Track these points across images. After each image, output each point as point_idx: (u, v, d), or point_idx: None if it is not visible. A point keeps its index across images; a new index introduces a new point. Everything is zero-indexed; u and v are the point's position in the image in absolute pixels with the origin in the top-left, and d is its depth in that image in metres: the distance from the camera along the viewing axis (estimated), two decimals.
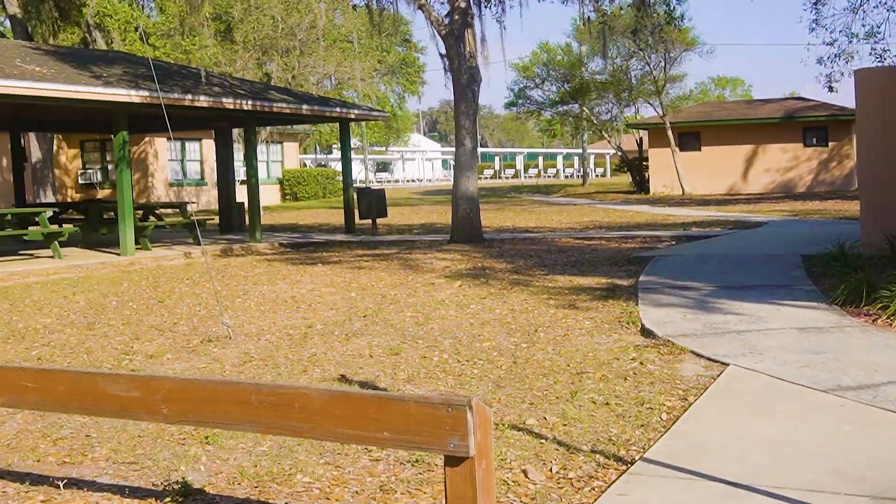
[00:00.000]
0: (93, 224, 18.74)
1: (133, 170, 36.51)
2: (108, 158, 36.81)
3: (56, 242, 16.38)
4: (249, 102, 18.99)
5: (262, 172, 40.71)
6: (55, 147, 35.71)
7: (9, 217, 16.87)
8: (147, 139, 36.35)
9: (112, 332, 9.64)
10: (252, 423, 4.41)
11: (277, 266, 15.27)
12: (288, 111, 20.14)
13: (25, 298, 12.05)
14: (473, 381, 7.19)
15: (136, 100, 16.56)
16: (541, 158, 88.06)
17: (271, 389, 4.37)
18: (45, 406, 4.96)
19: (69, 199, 37.22)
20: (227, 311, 10.60)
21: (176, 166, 38.17)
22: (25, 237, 16.57)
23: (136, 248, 17.34)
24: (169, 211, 26.32)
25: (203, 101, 17.97)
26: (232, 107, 18.68)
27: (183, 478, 5.29)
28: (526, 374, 7.34)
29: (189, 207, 23.81)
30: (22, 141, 23.76)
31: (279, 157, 42.40)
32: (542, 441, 5.65)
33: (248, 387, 4.44)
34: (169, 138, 35.16)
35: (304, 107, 20.53)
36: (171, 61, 31.97)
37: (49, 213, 16.90)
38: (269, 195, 40.65)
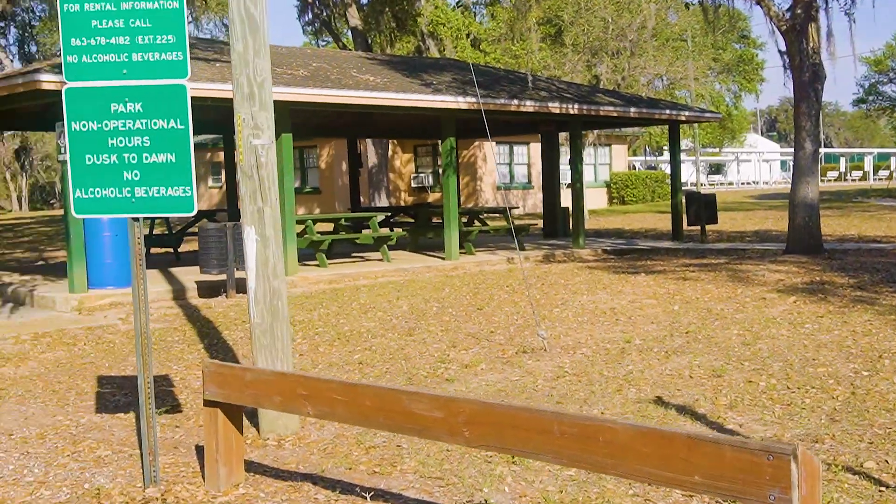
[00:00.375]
0: (421, 228, 19.31)
1: (462, 173, 37.60)
2: (439, 162, 38.13)
3: (385, 246, 16.98)
4: (576, 106, 18.81)
5: (588, 175, 40.55)
6: (390, 152, 37.48)
7: (343, 221, 17.71)
8: (476, 143, 37.27)
9: (430, 339, 9.70)
10: (553, 453, 4.11)
11: (598, 274, 14.92)
12: (615, 114, 19.76)
13: (353, 301, 12.49)
14: (804, 413, 6.47)
15: (464, 106, 16.83)
16: (893, 159, 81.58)
17: (574, 420, 4.04)
18: (352, 419, 4.93)
19: (402, 202, 38.95)
20: (543, 322, 10.39)
21: (504, 170, 38.86)
22: (357, 241, 17.30)
23: (461, 253, 17.65)
24: (495, 214, 26.70)
25: (529, 105, 17.99)
26: (558, 111, 18.58)
27: (486, 500, 5.08)
28: (866, 407, 6.52)
29: (513, 212, 24.02)
30: (358, 146, 25.01)
31: (607, 160, 42.06)
32: (883, 489, 4.92)
33: (550, 415, 4.14)
34: (491, 141, 35.87)
35: (632, 110, 20.05)
36: (500, 66, 32.55)
37: (380, 217, 17.57)
38: (596, 199, 40.40)
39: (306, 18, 38.33)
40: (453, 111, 17.00)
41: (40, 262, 19.37)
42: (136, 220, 5.59)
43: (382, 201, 34.68)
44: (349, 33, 36.98)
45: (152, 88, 5.52)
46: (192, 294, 13.40)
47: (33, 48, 44.71)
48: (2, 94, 12.87)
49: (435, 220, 20.29)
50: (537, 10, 27.21)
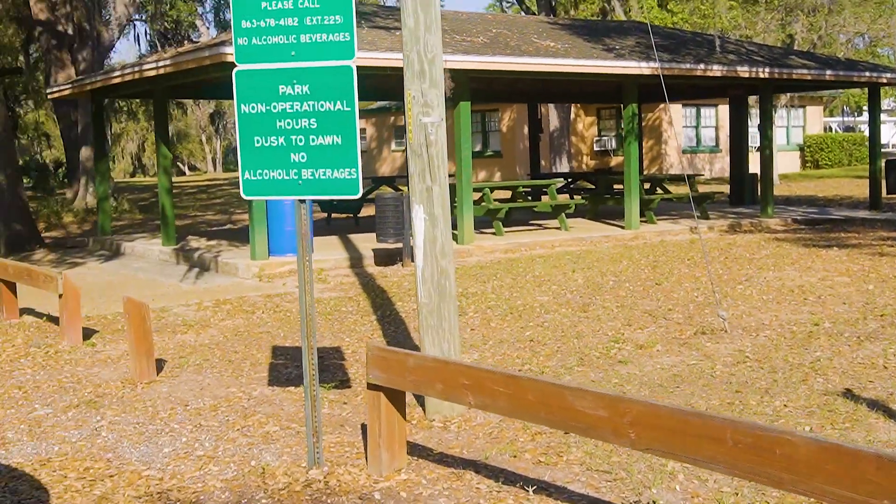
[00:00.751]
0: (600, 195, 18.91)
1: (646, 136, 36.69)
2: (622, 126, 37.30)
3: (563, 214, 16.71)
4: (766, 70, 17.90)
5: (780, 138, 38.86)
6: (572, 115, 36.93)
7: (521, 188, 17.54)
8: (661, 106, 36.27)
9: (605, 316, 9.44)
10: (725, 464, 3.84)
11: (787, 247, 14.21)
12: (809, 78, 18.70)
13: (528, 273, 12.33)
14: None
15: (646, 72, 16.29)
16: None
17: (750, 429, 3.76)
18: (515, 412, 4.79)
19: (584, 167, 38.41)
20: (725, 300, 9.95)
21: (690, 133, 37.70)
22: (535, 209, 17.10)
23: (641, 222, 17.18)
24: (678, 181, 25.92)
25: (716, 70, 17.24)
26: (747, 75, 17.74)
27: (654, 500, 4.85)
28: None
29: (698, 177, 23.24)
30: (539, 111, 24.72)
31: (800, 122, 40.16)
32: None
33: (722, 423, 3.87)
34: (670, 105, 34.80)
35: (828, 72, 18.92)
36: (688, 27, 31.44)
37: (559, 184, 17.29)
38: (788, 163, 38.70)
39: None
40: (635, 77, 16.49)
41: (228, 226, 20.11)
42: (303, 201, 5.59)
43: (563, 165, 34.28)
44: None
45: (320, 70, 5.47)
46: (369, 262, 13.56)
47: (229, 16, 46.37)
48: (191, 65, 13.30)
49: (615, 186, 19.85)
50: None
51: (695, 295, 10.41)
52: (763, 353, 7.69)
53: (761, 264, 12.45)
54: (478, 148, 39.83)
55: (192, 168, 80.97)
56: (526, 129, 39.74)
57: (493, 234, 16.17)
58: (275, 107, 5.52)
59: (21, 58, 36.84)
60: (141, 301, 7.49)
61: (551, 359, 7.80)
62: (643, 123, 37.39)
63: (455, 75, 14.45)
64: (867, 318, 8.80)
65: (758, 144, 20.10)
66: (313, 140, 5.49)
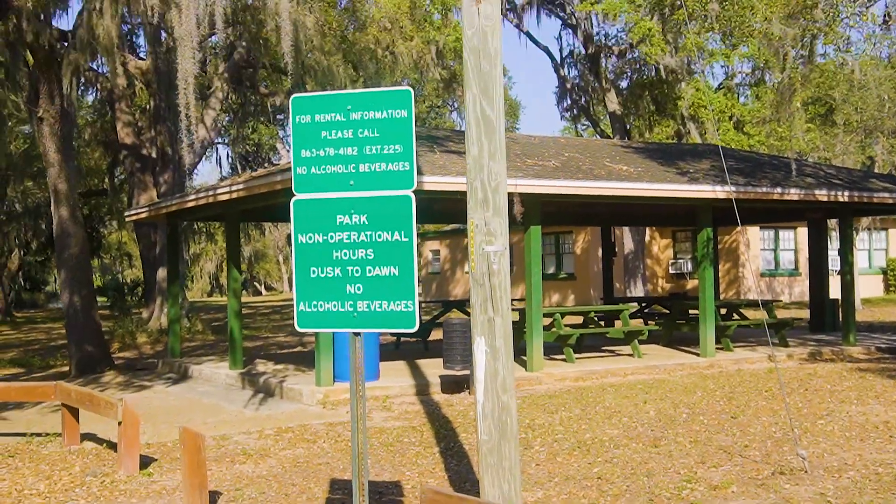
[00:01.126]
0: (674, 321, 18.46)
1: (723, 259, 36.18)
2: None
3: (636, 341, 16.31)
4: (845, 194, 17.50)
5: (862, 261, 37.98)
6: (647, 237, 36.67)
7: (592, 314, 17.20)
8: (738, 228, 35.80)
9: (677, 451, 9.00)
10: None
11: (870, 378, 13.60)
12: (891, 201, 18.23)
13: (598, 403, 11.92)
14: None
15: (721, 195, 16.03)
16: None
17: None
18: None
19: (659, 290, 37.88)
20: (805, 436, 9.44)
21: (769, 256, 37.07)
22: (607, 334, 16.74)
23: (717, 349, 16.69)
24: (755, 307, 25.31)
25: (793, 193, 16.91)
26: (825, 199, 17.36)
27: None
28: None
29: (777, 302, 22.63)
30: (613, 234, 24.51)
31: (883, 245, 39.24)
32: None
33: None
34: (743, 227, 34.34)
35: None
36: (764, 149, 31.21)
37: (631, 309, 16.93)
38: (870, 287, 37.71)
39: (565, 104, 38.47)
40: (709, 201, 16.24)
41: (298, 348, 20.05)
42: (357, 334, 5.42)
43: (638, 288, 33.82)
44: (607, 118, 36.81)
45: (378, 199, 5.38)
46: (435, 389, 13.30)
47: None
48: (263, 190, 13.43)
49: (690, 311, 19.38)
50: (803, 92, 25.88)
51: (773, 430, 9.91)
52: (847, 498, 7.20)
53: (843, 397, 11.88)
54: (551, 270, 39.66)
55: (269, 288, 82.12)
56: (600, 252, 39.57)
57: (564, 360, 15.81)
58: (332, 237, 5.42)
59: (107, 180, 38.03)
60: (196, 431, 7.32)
61: (619, 499, 7.39)
62: (719, 246, 36.93)
63: (525, 199, 14.38)
64: None
65: (838, 268, 19.62)
66: (370, 271, 5.36)
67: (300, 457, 9.25)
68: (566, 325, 16.64)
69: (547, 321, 16.77)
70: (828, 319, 21.31)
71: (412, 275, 5.30)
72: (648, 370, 15.14)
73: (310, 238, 5.44)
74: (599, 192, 14.87)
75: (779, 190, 16.85)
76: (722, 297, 36.24)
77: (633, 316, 21.96)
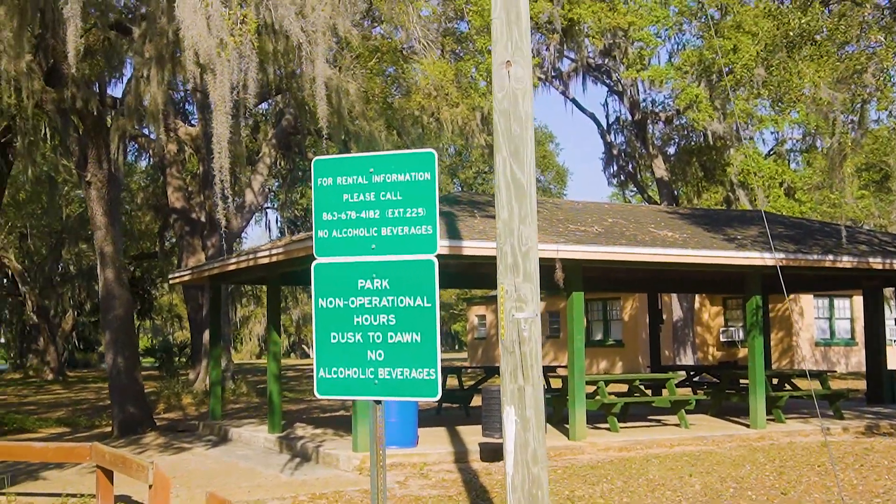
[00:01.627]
0: (723, 391, 17.97)
1: (776, 327, 35.49)
2: None
3: (682, 410, 15.88)
4: None
5: None
6: (697, 304, 36.11)
7: (637, 382, 16.81)
8: (791, 296, 35.15)
9: None
10: None
11: None
12: None
13: (641, 476, 11.53)
14: None
15: (769, 262, 15.69)
16: None
17: None
18: None
19: (710, 358, 37.17)
20: None
21: (823, 325, 36.30)
22: (653, 403, 16.34)
23: (768, 420, 16.20)
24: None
25: (846, 261, 16.52)
26: (880, 267, 16.93)
27: None
28: None
29: (833, 372, 22.01)
30: (660, 301, 24.11)
31: None
32: None
33: None
34: (791, 297, 33.64)
35: None
36: (816, 216, 30.71)
37: (679, 378, 16.51)
38: None
39: (612, 170, 38.28)
40: (758, 268, 15.90)
41: (341, 411, 19.82)
42: (378, 402, 5.23)
43: (688, 356, 33.22)
44: (655, 184, 36.54)
45: (400, 264, 5.23)
46: (475, 457, 12.99)
47: None
48: (301, 254, 13.36)
49: (741, 381, 18.88)
50: (855, 157, 25.48)
51: None
52: None
53: None
54: (599, 337, 39.14)
55: None
56: (648, 319, 39.02)
57: (608, 429, 15.43)
58: (353, 301, 5.27)
59: (157, 243, 38.51)
60: (223, 498, 7.14)
61: None
62: (771, 314, 36.25)
63: (566, 265, 14.17)
64: None
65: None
66: (391, 337, 5.19)
67: None
68: (611, 394, 16.27)
69: (591, 389, 16.42)
70: (886, 391, 20.64)
71: (434, 341, 5.12)
72: (695, 441, 14.69)
73: (330, 302, 5.30)
74: (642, 258, 14.62)
75: (830, 257, 16.47)
76: (774, 366, 35.48)
77: (681, 385, 21.49)
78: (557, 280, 14.00)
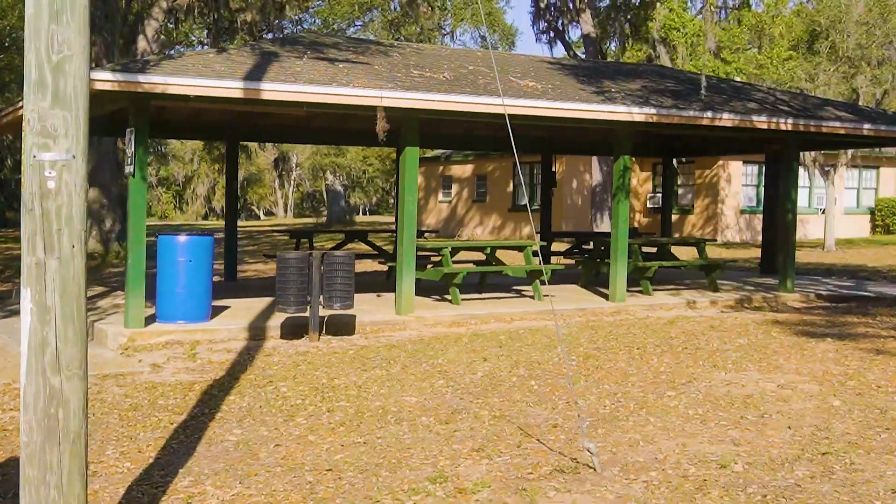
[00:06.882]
0: (594, 260, 16.41)
1: (703, 194, 34.18)
2: (680, 181, 34.75)
3: (537, 282, 14.35)
4: (788, 121, 15.30)
5: (850, 201, 35.98)
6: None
7: (488, 250, 15.19)
8: (721, 162, 33.61)
9: (461, 432, 7.05)
10: None
11: (775, 334, 11.63)
12: (843, 131, 15.99)
13: (433, 358, 9.93)
14: None
15: (638, 118, 13.91)
16: None
17: None
18: None
19: (636, 224, 35.76)
20: (636, 413, 7.51)
21: (751, 192, 34.90)
22: (504, 273, 14.77)
23: (636, 292, 14.76)
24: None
25: (726, 119, 14.74)
26: (765, 126, 15.18)
27: None
28: None
29: (709, 241, 20.55)
30: (553, 163, 22.28)
31: (873, 184, 36.96)
32: None
33: None
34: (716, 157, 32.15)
35: (866, 126, 16.20)
36: (742, 78, 28.84)
37: (535, 246, 14.87)
38: (855, 227, 35.65)
39: (540, 26, 36.02)
40: (625, 123, 14.12)
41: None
42: None
43: (605, 223, 31.77)
44: (582, 42, 34.39)
45: None
46: (274, 333, 11.45)
47: None
48: None
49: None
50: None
51: (607, 402, 7.96)
52: None
53: (724, 358, 9.89)
54: (524, 202, 37.63)
55: (269, 213, 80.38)
56: (575, 183, 37.40)
57: (450, 302, 13.88)
58: None
59: None
60: None
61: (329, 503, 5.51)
62: (698, 180, 34.74)
63: (394, 116, 12.35)
64: (801, 458, 6.27)
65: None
66: None
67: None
68: (460, 262, 14.68)
69: (439, 258, 14.82)
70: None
71: None
72: (539, 315, 13.19)
73: None
74: (482, 109, 12.73)
75: (709, 114, 14.68)
76: (698, 234, 34.18)
77: (568, 253, 20.01)
78: (379, 132, 12.19)
